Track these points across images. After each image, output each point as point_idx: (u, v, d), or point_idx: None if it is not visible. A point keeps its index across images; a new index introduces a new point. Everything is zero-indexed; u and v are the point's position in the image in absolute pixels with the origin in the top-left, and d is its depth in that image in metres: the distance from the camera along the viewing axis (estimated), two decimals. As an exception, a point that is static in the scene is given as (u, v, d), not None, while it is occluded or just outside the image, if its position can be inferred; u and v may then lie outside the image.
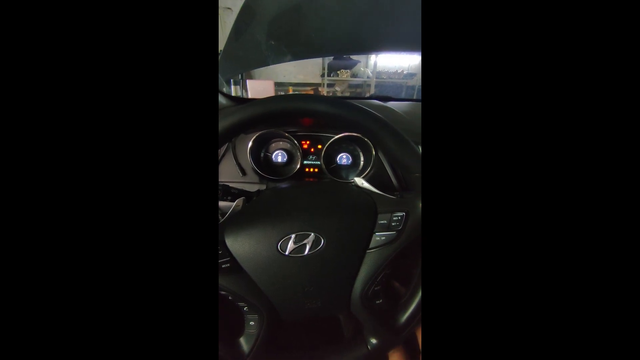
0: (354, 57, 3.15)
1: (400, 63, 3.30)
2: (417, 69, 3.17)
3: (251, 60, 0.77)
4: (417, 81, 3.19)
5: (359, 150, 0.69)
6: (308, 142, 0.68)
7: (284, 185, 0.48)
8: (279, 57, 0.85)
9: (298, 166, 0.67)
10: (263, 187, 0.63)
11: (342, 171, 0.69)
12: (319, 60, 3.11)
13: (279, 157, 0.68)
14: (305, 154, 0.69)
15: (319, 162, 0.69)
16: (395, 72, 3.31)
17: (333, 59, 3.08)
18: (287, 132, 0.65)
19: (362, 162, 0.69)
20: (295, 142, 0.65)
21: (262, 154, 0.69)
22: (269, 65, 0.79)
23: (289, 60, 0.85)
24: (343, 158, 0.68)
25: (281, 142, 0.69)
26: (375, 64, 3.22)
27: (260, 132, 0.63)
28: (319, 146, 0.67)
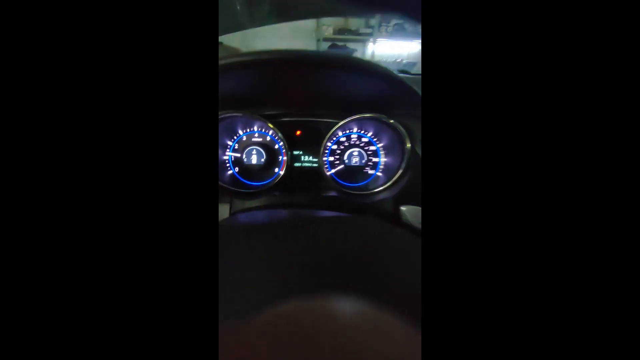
0: (350, 46, 2.93)
1: (400, 51, 3.07)
2: (416, 58, 2.95)
3: (224, 23, 0.61)
4: (417, 70, 2.97)
5: (378, 140, 0.44)
6: (299, 132, 0.44)
7: (256, 216, 0.27)
8: (257, 20, 0.63)
9: (282, 171, 0.42)
10: (224, 210, 0.38)
11: (354, 176, 0.45)
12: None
13: (252, 156, 0.44)
14: (295, 150, 0.44)
15: (316, 163, 0.44)
16: (394, 62, 3.09)
17: (328, 47, 2.86)
18: (264, 116, 0.40)
19: (383, 160, 0.45)
20: (279, 132, 0.41)
21: (225, 153, 0.44)
22: (245, 29, 0.62)
23: (272, 23, 0.62)
24: (354, 155, 0.44)
25: (256, 133, 0.44)
26: (373, 53, 2.99)
27: (220, 116, 0.39)
28: (316, 137, 0.43)
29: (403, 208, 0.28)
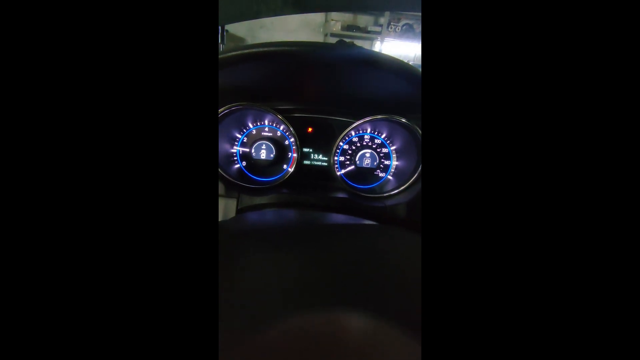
0: (357, 43, 2.90)
1: (407, 52, 3.05)
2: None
3: (238, 10, 0.58)
4: (424, 73, 2.94)
5: (391, 143, 0.43)
6: (310, 129, 0.42)
7: (266, 216, 0.26)
8: (272, 9, 0.61)
9: (292, 168, 0.41)
10: (231, 205, 0.37)
11: (364, 178, 0.44)
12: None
13: (261, 151, 0.43)
14: (305, 147, 0.43)
15: (326, 162, 0.43)
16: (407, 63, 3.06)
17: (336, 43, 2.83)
18: (277, 110, 0.39)
19: (395, 164, 0.43)
20: (290, 126, 0.39)
21: (234, 146, 0.43)
22: (260, 17, 0.58)
23: (287, 13, 0.60)
24: (366, 156, 0.43)
25: (267, 127, 0.43)
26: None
27: (230, 108, 0.37)
28: (328, 136, 0.42)
29: None
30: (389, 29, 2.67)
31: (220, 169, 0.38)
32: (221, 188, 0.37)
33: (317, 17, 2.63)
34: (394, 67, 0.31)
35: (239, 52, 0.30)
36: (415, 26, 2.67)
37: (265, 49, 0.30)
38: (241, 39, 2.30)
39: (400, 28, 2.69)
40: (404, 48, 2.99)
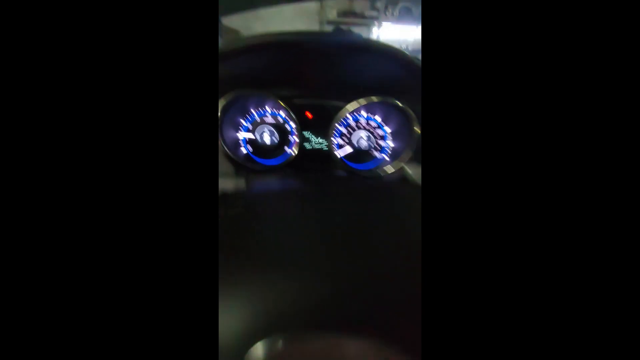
0: (354, 29, 2.86)
1: (406, 37, 3.00)
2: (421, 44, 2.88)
3: (236, 1, 0.59)
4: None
5: (387, 124, 0.46)
6: (310, 115, 0.45)
7: (274, 185, 0.29)
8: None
9: (294, 151, 0.44)
10: (241, 183, 0.40)
11: (362, 159, 0.47)
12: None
13: (265, 136, 0.46)
14: (305, 132, 0.46)
15: (326, 144, 0.46)
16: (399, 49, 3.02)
17: (333, 31, 2.79)
18: (277, 96, 0.42)
19: (391, 145, 0.46)
20: (291, 112, 0.42)
21: (238, 132, 0.46)
22: (257, 8, 0.60)
23: (280, 3, 0.61)
24: (362, 138, 0.46)
25: (269, 114, 0.46)
26: (377, 38, 2.92)
27: (232, 96, 0.40)
28: (326, 120, 0.44)
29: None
30: (386, 12, 2.62)
31: (230, 152, 0.41)
32: (231, 170, 0.41)
33: (312, 5, 2.59)
34: (385, 52, 0.34)
35: (240, 45, 0.33)
36: (413, 9, 2.62)
37: (265, 40, 0.33)
38: (235, 31, 2.29)
39: (397, 12, 2.64)
40: (402, 32, 2.95)
